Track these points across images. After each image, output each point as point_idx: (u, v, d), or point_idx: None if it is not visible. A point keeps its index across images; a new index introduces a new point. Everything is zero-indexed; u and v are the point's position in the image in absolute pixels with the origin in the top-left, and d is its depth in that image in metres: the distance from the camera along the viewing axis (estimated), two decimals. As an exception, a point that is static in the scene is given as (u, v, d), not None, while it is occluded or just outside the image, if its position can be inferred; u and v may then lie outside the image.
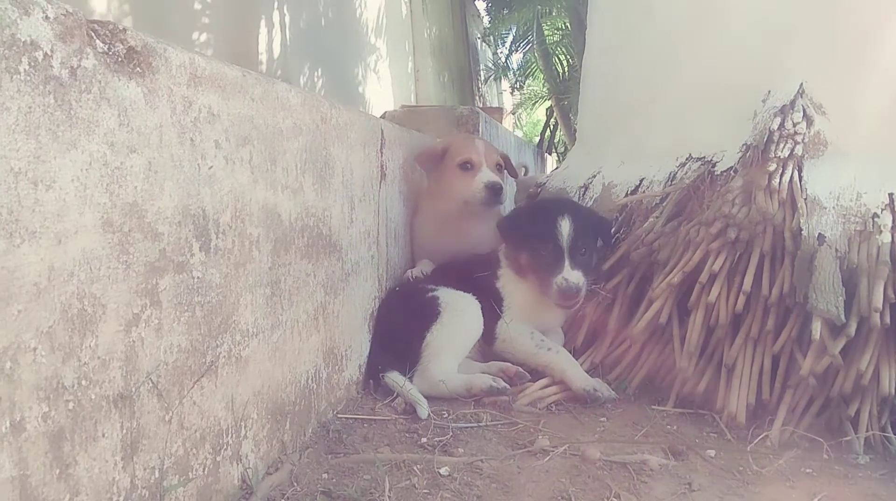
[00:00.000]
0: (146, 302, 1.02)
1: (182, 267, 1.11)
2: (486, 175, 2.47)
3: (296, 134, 1.54)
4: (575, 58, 8.46)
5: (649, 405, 1.93)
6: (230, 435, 1.25)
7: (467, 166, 2.51)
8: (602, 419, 1.84)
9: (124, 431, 0.98)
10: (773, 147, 1.94)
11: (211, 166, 1.19)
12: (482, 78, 16.14)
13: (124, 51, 0.98)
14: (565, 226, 2.06)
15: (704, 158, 2.22)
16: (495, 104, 18.01)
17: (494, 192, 2.44)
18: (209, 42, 5.60)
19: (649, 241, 2.14)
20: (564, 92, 9.23)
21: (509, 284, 2.17)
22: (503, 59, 14.31)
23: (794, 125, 1.96)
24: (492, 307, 2.10)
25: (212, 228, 1.19)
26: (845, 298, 1.73)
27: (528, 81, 13.01)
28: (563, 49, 10.16)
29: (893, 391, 1.67)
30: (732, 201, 1.96)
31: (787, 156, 1.94)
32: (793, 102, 2.00)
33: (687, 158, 2.28)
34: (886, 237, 1.79)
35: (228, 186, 1.25)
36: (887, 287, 1.71)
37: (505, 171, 2.67)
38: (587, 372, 2.04)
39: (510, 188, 3.27)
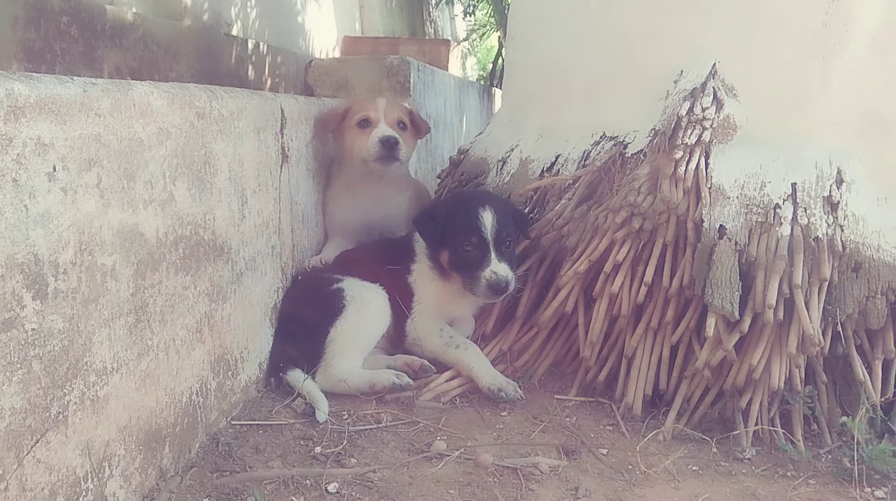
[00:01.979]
0: (-37, 371, 0.94)
1: (10, 324, 1.02)
2: (382, 130, 2.36)
3: (162, 140, 1.42)
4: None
5: (553, 395, 1.94)
6: (90, 481, 1.20)
7: (365, 124, 2.40)
8: (504, 413, 1.85)
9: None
10: (680, 133, 1.89)
11: (44, 204, 1.08)
12: (433, 2, 15.55)
13: None
14: (488, 218, 2.00)
15: (617, 138, 2.16)
16: (447, 31, 17.46)
17: (389, 146, 2.33)
18: (128, -17, 5.20)
19: (559, 226, 2.11)
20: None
21: (422, 278, 2.11)
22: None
23: (703, 110, 1.91)
24: (401, 301, 2.05)
25: (48, 271, 1.10)
26: (742, 292, 1.74)
27: (478, 6, 12.56)
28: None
29: (782, 384, 1.71)
30: (638, 190, 1.93)
31: (694, 142, 1.89)
32: (704, 85, 1.94)
33: (601, 137, 2.22)
34: (786, 230, 1.78)
35: (69, 220, 1.14)
36: (783, 282, 1.72)
37: (410, 127, 2.54)
38: (495, 360, 2.04)
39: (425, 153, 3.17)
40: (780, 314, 1.70)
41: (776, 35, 1.92)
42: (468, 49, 16.25)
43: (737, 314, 1.70)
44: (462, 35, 17.96)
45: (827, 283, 1.74)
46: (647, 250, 1.92)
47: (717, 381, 1.80)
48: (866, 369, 1.76)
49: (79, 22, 4.53)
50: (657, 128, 1.96)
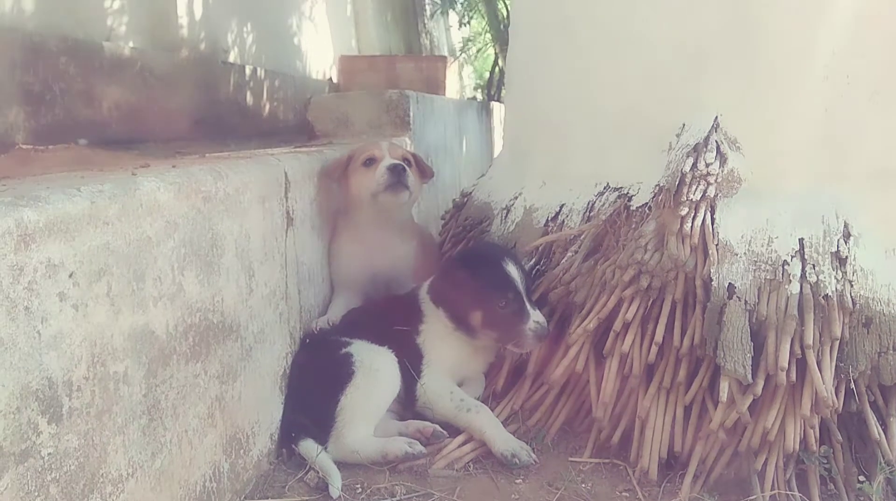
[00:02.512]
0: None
1: (26, 454, 1.02)
2: (388, 161, 2.37)
3: (170, 232, 1.42)
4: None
5: (567, 457, 1.93)
6: None
7: (370, 162, 2.41)
8: (518, 480, 1.83)
9: None
10: (685, 190, 1.89)
11: (56, 326, 1.08)
12: (428, 13, 15.58)
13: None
14: (513, 270, 2.02)
15: (621, 189, 2.16)
16: (443, 42, 17.49)
17: (397, 173, 2.32)
18: (123, 9, 5.22)
19: (567, 281, 2.10)
20: (507, 40, 8.94)
21: (432, 339, 2.10)
22: (449, -8, 13.79)
23: (707, 166, 1.90)
24: (411, 362, 2.04)
25: (62, 392, 1.09)
26: (754, 353, 1.73)
27: (473, 21, 12.58)
28: (507, -7, 9.79)
29: (798, 446, 1.70)
30: (645, 247, 1.92)
31: (699, 198, 1.89)
32: (706, 139, 1.94)
33: (605, 187, 2.22)
34: (795, 288, 1.78)
35: (81, 335, 1.14)
36: (794, 342, 1.71)
37: (415, 167, 2.54)
38: (507, 419, 2.04)
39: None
40: (793, 376, 1.70)
41: (777, 88, 1.92)
42: (465, 59, 16.30)
43: (749, 377, 1.69)
44: (458, 45, 18.00)
45: (838, 341, 1.74)
46: (656, 308, 1.91)
47: (732, 441, 1.79)
48: (881, 426, 1.75)
49: (76, 61, 4.54)
50: (661, 184, 1.96)
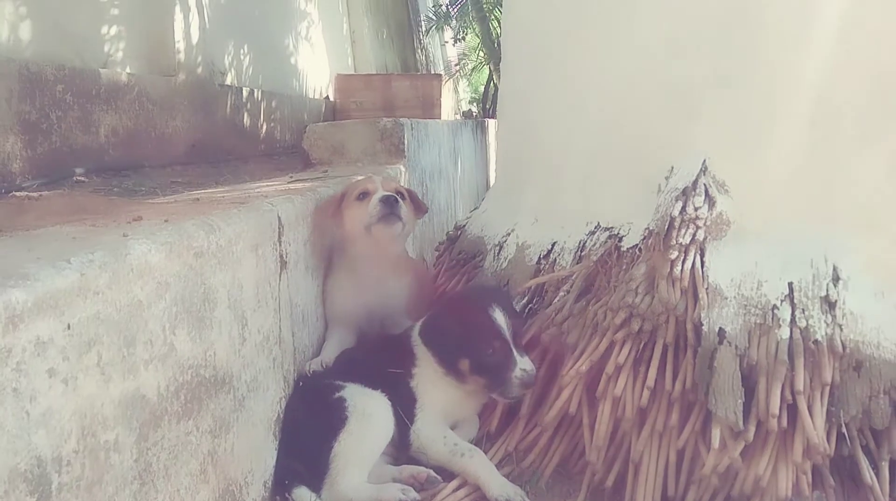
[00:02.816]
0: None
1: (14, 537, 1.02)
2: (381, 193, 2.38)
3: (161, 293, 1.43)
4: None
5: (561, 500, 1.94)
6: None
7: (363, 196, 2.42)
8: (512, 527, 1.84)
9: None
10: (674, 233, 1.91)
11: (45, 403, 1.09)
12: (423, 29, 15.66)
13: None
14: (501, 317, 2.02)
15: (612, 229, 2.17)
16: (438, 57, 17.56)
17: (389, 204, 2.34)
18: (121, 35, 5.26)
19: (559, 321, 2.11)
20: (500, 59, 9.01)
21: (425, 382, 2.11)
22: (444, 7, 13.88)
23: (696, 210, 1.92)
24: (405, 406, 2.05)
25: (52, 469, 1.10)
26: (745, 398, 1.74)
27: (467, 37, 12.64)
28: (499, 10, 9.86)
29: (790, 492, 1.71)
30: (636, 290, 1.93)
31: (688, 242, 1.90)
32: (695, 183, 1.96)
33: (596, 227, 2.23)
34: (785, 333, 1.79)
35: (71, 410, 1.15)
36: (784, 388, 1.72)
37: (409, 202, 2.55)
38: (501, 462, 2.04)
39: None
40: (784, 422, 1.70)
41: (764, 132, 1.94)
42: (460, 73, 16.37)
43: (741, 423, 1.70)
44: (453, 60, 18.08)
45: (829, 386, 1.75)
46: (648, 350, 1.92)
47: (725, 486, 1.80)
48: (873, 470, 1.76)
49: (73, 89, 4.57)
50: (651, 227, 1.98)
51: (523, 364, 2.00)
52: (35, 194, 2.05)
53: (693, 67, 2.02)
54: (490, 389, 2.05)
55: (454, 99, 15.60)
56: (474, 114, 15.74)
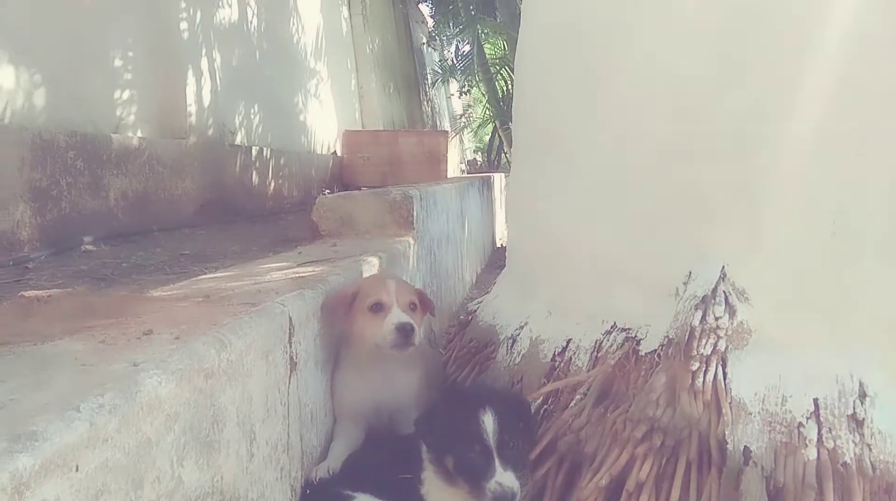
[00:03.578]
0: None
1: None
2: (397, 316, 2.33)
3: (170, 425, 1.39)
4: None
5: None
6: None
7: (377, 308, 2.38)
8: None
9: None
10: (694, 344, 1.86)
11: (47, 572, 1.03)
12: (429, 82, 15.97)
13: None
14: (489, 422, 1.94)
15: (629, 331, 2.13)
16: (444, 109, 17.86)
17: (405, 333, 2.30)
18: (133, 99, 5.34)
19: (576, 428, 2.05)
20: (507, 117, 9.13)
21: (434, 489, 2.04)
22: (449, 61, 14.17)
23: (717, 319, 1.88)
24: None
25: None
26: (772, 524, 1.68)
27: (472, 89, 12.87)
28: (507, 69, 10.02)
29: None
30: (657, 402, 1.88)
31: (709, 353, 1.86)
32: (714, 291, 1.92)
33: (612, 327, 2.19)
34: (812, 453, 1.73)
35: (75, 572, 1.09)
36: (813, 514, 1.66)
37: (419, 309, 2.52)
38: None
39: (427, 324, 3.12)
40: (814, 551, 1.63)
41: (784, 242, 1.91)
42: (465, 124, 16.63)
43: (769, 554, 1.63)
44: (458, 111, 18.39)
45: (860, 512, 1.68)
46: (670, 465, 1.86)
47: None
48: None
49: (85, 155, 4.60)
50: (670, 335, 1.93)
51: (501, 478, 1.87)
52: (44, 295, 2.01)
53: (708, 170, 2.00)
54: (470, 493, 1.96)
55: (459, 150, 15.81)
56: (479, 163, 15.95)
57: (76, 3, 4.56)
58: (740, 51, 1.97)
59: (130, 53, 5.15)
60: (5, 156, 3.79)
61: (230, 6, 6.71)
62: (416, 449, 2.12)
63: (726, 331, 1.88)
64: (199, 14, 6.04)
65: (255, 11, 7.25)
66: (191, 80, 5.80)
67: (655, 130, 2.09)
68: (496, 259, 7.54)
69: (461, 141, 16.41)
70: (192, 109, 5.81)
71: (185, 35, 5.80)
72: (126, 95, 5.14)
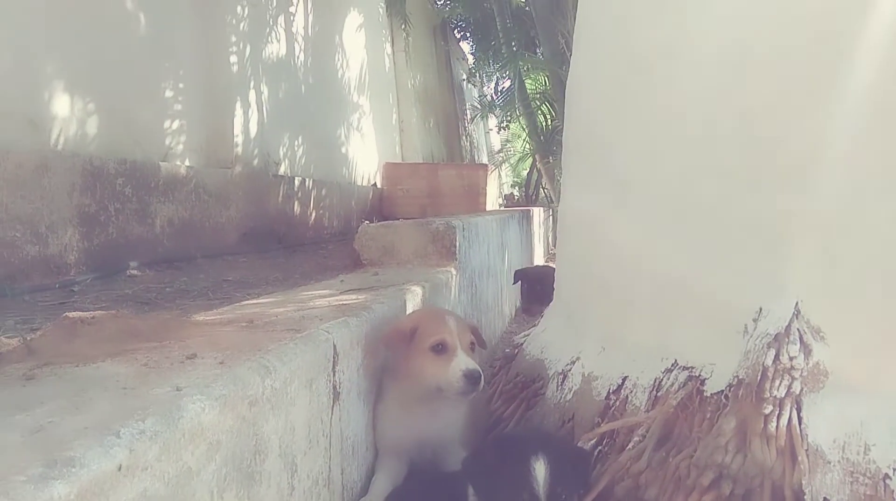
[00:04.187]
0: None
1: None
2: (463, 362, 2.22)
3: (212, 454, 1.31)
4: (557, 117, 8.35)
5: None
6: None
7: (440, 349, 2.28)
8: None
9: None
10: (767, 385, 1.73)
11: None
12: (469, 117, 16.10)
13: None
14: (540, 471, 1.83)
15: (692, 369, 2.00)
16: (483, 144, 17.96)
17: (473, 381, 2.19)
18: (182, 129, 5.44)
19: (635, 472, 1.92)
20: (547, 150, 9.08)
21: None
22: (489, 97, 14.27)
23: (791, 359, 1.74)
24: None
25: None
26: (857, 586, 1.52)
27: (511, 125, 12.88)
28: (547, 104, 10.01)
29: None
30: (725, 447, 1.74)
31: (783, 395, 1.72)
32: (788, 329, 1.79)
33: (673, 364, 2.06)
34: (902, 510, 1.57)
35: None
36: (905, 579, 1.49)
37: (476, 345, 2.43)
38: None
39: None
40: None
41: (863, 278, 1.78)
42: (503, 158, 16.66)
43: None
44: (496, 146, 18.47)
45: (959, 579, 1.51)
46: (739, 517, 1.72)
47: None
48: None
49: (133, 182, 4.67)
50: (740, 375, 1.80)
51: None
52: (88, 316, 1.98)
53: (780, 201, 1.88)
54: None
55: (497, 183, 15.81)
56: (516, 197, 15.91)
57: (131, 35, 4.69)
58: (807, 79, 1.86)
59: (181, 85, 5.27)
60: (57, 181, 3.86)
61: (279, 41, 6.86)
62: (461, 489, 2.01)
63: (801, 372, 1.74)
64: (248, 48, 6.17)
65: (303, 47, 7.40)
66: (238, 111, 5.91)
67: (722, 160, 1.99)
68: (536, 294, 7.39)
69: (499, 176, 16.43)
70: (239, 139, 5.90)
71: (235, 68, 5.92)
72: (175, 124, 5.25)
